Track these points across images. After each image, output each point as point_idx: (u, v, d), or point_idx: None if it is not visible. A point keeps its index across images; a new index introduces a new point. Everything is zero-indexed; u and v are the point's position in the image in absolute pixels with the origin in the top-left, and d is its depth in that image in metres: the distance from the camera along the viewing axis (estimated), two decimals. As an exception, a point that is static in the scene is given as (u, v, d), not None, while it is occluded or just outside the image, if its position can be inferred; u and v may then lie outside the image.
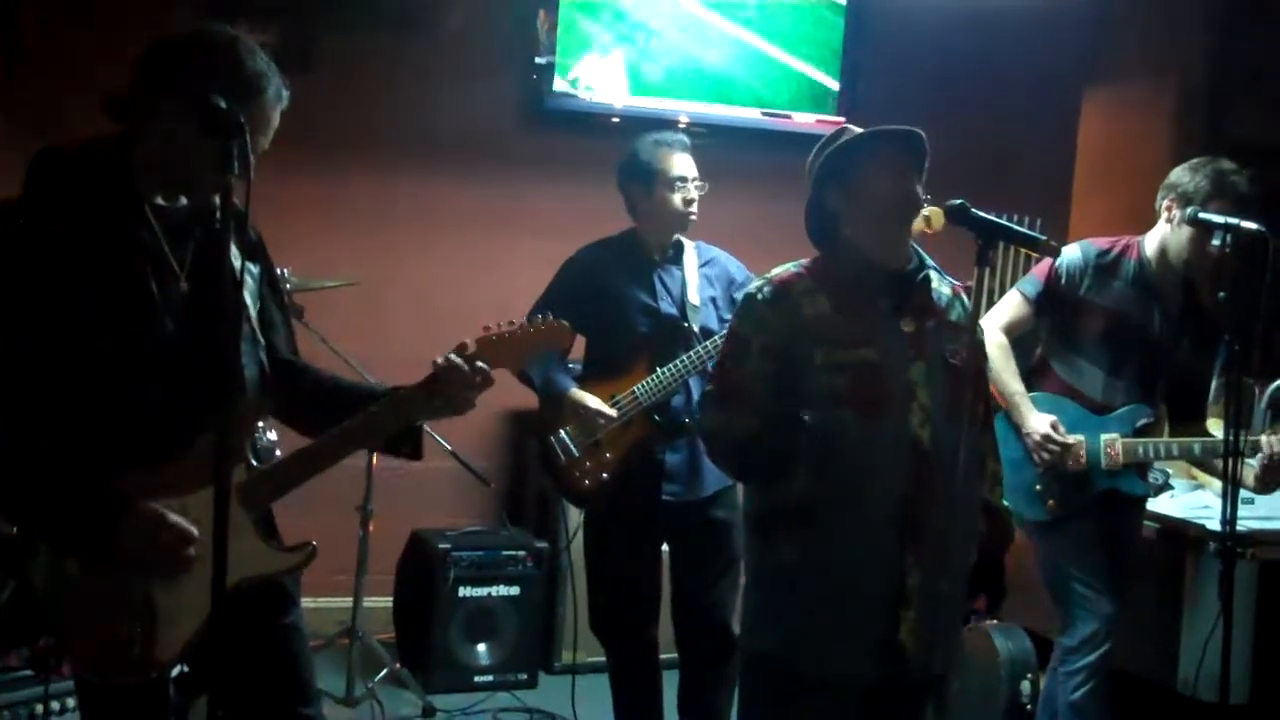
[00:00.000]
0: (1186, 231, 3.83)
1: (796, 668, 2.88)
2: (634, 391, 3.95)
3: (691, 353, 3.91)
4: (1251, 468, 3.85)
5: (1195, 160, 3.89)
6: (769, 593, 2.95)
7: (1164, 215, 3.90)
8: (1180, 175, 3.87)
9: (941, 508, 2.83)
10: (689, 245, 4.13)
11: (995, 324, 3.99)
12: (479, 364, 2.66)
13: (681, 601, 4.11)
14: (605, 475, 3.98)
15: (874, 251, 2.92)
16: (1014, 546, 3.87)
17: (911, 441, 2.83)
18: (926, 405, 2.84)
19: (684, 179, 4.01)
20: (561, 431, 4.01)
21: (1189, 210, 3.79)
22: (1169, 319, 3.94)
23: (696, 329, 3.98)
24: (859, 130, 2.95)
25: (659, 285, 4.04)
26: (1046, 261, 3.99)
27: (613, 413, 3.94)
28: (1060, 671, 3.97)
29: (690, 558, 4.07)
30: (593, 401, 3.96)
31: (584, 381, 4.04)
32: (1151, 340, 3.94)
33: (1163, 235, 3.91)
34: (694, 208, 4.03)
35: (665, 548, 4.16)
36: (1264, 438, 3.82)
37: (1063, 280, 3.97)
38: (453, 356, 2.66)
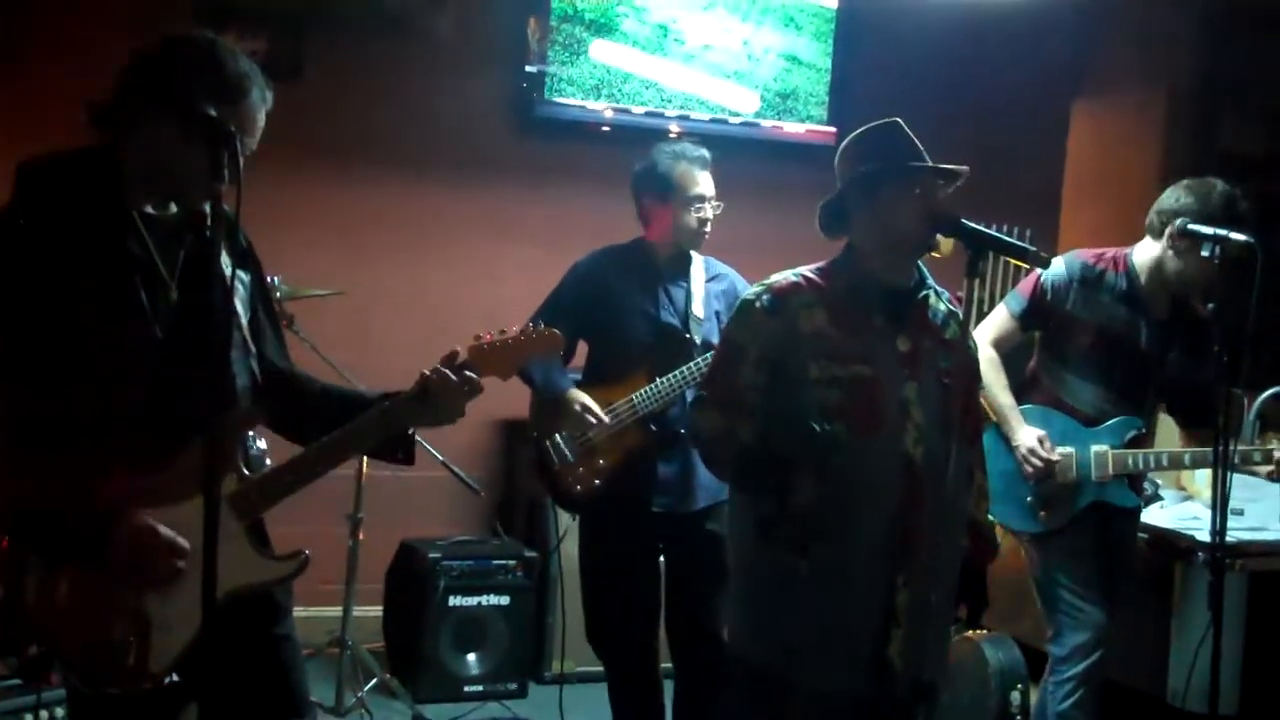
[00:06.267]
0: (1191, 255, 3.79)
1: (785, 678, 2.88)
2: (632, 400, 3.94)
3: (691, 364, 3.89)
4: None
5: (1189, 180, 3.88)
6: (759, 602, 2.94)
7: (1166, 242, 3.85)
8: (1175, 197, 3.85)
9: (932, 526, 2.83)
10: (697, 259, 4.11)
11: (984, 338, 3.99)
12: (467, 373, 2.68)
13: (676, 614, 4.09)
14: (599, 482, 3.97)
15: (878, 268, 2.92)
16: (1008, 557, 3.88)
17: (905, 460, 2.82)
18: (920, 424, 2.83)
19: (702, 198, 4.00)
20: (557, 435, 4.00)
21: (1178, 222, 3.78)
22: (1157, 331, 3.94)
23: (698, 341, 3.97)
24: (904, 129, 2.91)
25: (663, 296, 4.03)
26: (1032, 277, 4.00)
27: (604, 415, 3.94)
28: (1050, 682, 3.97)
29: (684, 571, 4.05)
30: (587, 401, 3.95)
31: (584, 387, 4.03)
32: (1140, 353, 3.93)
33: (1159, 255, 3.89)
34: (708, 227, 4.03)
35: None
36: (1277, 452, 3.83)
37: (1048, 295, 3.97)
38: (441, 367, 2.67)
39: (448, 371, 2.67)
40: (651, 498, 3.97)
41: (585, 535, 4.15)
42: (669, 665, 4.15)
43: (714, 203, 4.02)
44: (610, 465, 3.97)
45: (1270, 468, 3.88)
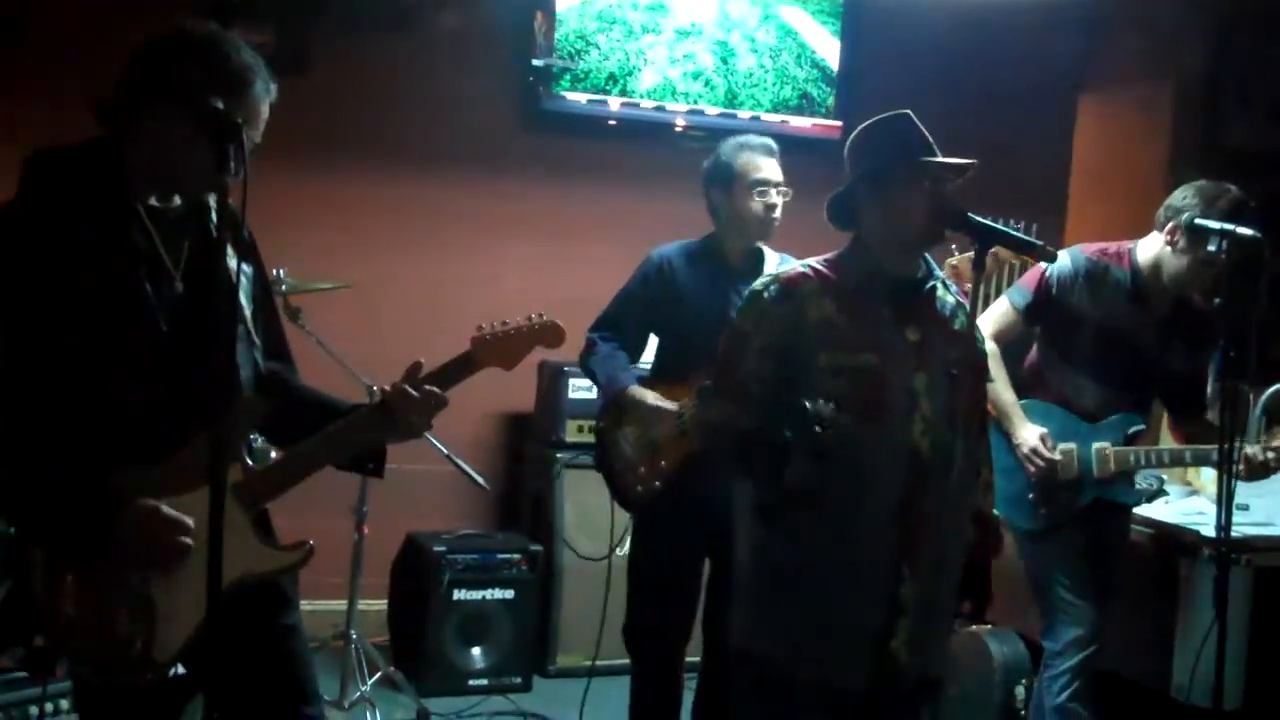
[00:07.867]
0: (1188, 254, 3.78)
1: (791, 671, 2.87)
2: None
3: None
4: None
5: (1202, 182, 3.86)
6: (764, 595, 2.94)
7: (1165, 238, 3.84)
8: (1182, 196, 3.84)
9: (938, 517, 2.83)
10: (771, 256, 4.01)
11: (984, 331, 3.97)
12: (428, 387, 2.66)
13: (715, 613, 4.01)
14: (658, 483, 3.90)
15: (887, 259, 2.91)
16: (1010, 553, 3.88)
17: (911, 450, 2.81)
18: (928, 415, 2.83)
19: (765, 183, 3.91)
20: (619, 433, 3.95)
21: (1184, 217, 3.76)
22: (1161, 326, 3.93)
23: None
24: (914, 121, 2.90)
25: (734, 295, 3.87)
26: (1036, 270, 3.98)
27: (673, 407, 3.85)
28: (1045, 676, 3.97)
29: (729, 571, 4.00)
30: (653, 398, 3.89)
31: (650, 384, 3.97)
32: (1143, 348, 3.92)
33: (1161, 254, 3.88)
34: (776, 213, 3.93)
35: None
36: (1247, 450, 3.81)
37: (1053, 289, 3.95)
38: (400, 383, 2.66)
39: (407, 387, 2.66)
40: (708, 500, 3.85)
41: (638, 534, 4.08)
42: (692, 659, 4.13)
43: (781, 189, 3.93)
44: (672, 467, 3.88)
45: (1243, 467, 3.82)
